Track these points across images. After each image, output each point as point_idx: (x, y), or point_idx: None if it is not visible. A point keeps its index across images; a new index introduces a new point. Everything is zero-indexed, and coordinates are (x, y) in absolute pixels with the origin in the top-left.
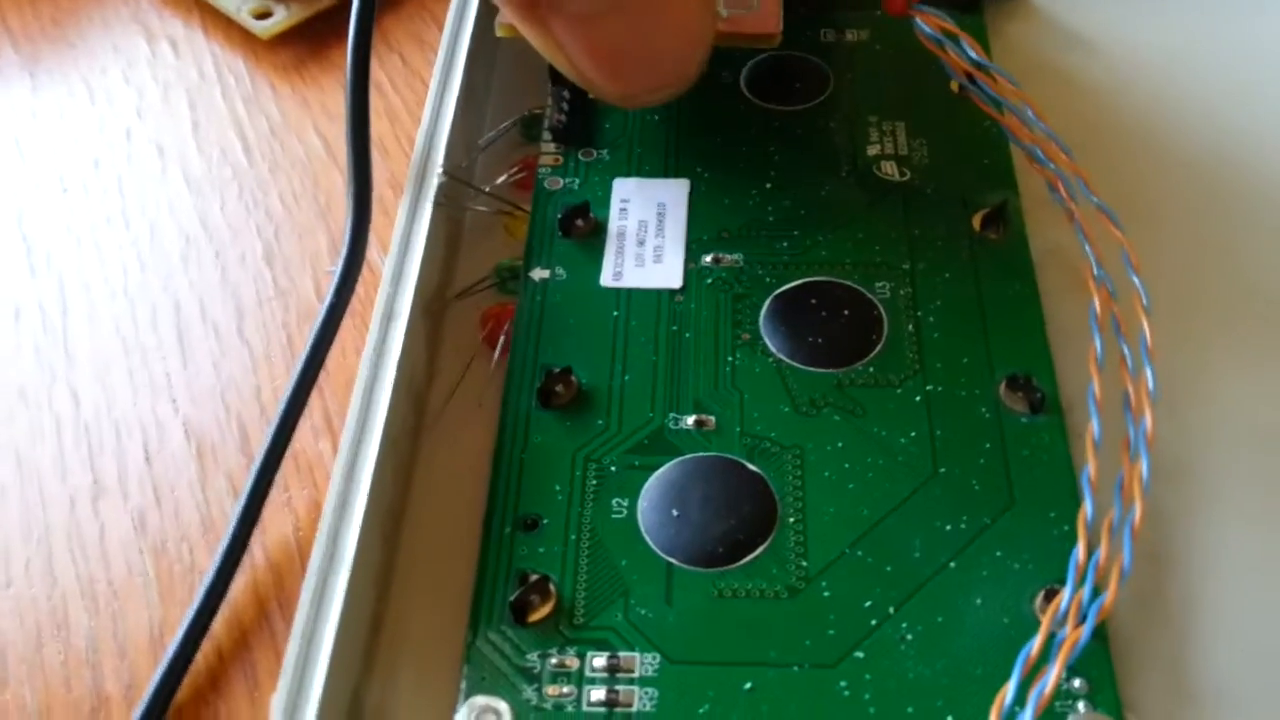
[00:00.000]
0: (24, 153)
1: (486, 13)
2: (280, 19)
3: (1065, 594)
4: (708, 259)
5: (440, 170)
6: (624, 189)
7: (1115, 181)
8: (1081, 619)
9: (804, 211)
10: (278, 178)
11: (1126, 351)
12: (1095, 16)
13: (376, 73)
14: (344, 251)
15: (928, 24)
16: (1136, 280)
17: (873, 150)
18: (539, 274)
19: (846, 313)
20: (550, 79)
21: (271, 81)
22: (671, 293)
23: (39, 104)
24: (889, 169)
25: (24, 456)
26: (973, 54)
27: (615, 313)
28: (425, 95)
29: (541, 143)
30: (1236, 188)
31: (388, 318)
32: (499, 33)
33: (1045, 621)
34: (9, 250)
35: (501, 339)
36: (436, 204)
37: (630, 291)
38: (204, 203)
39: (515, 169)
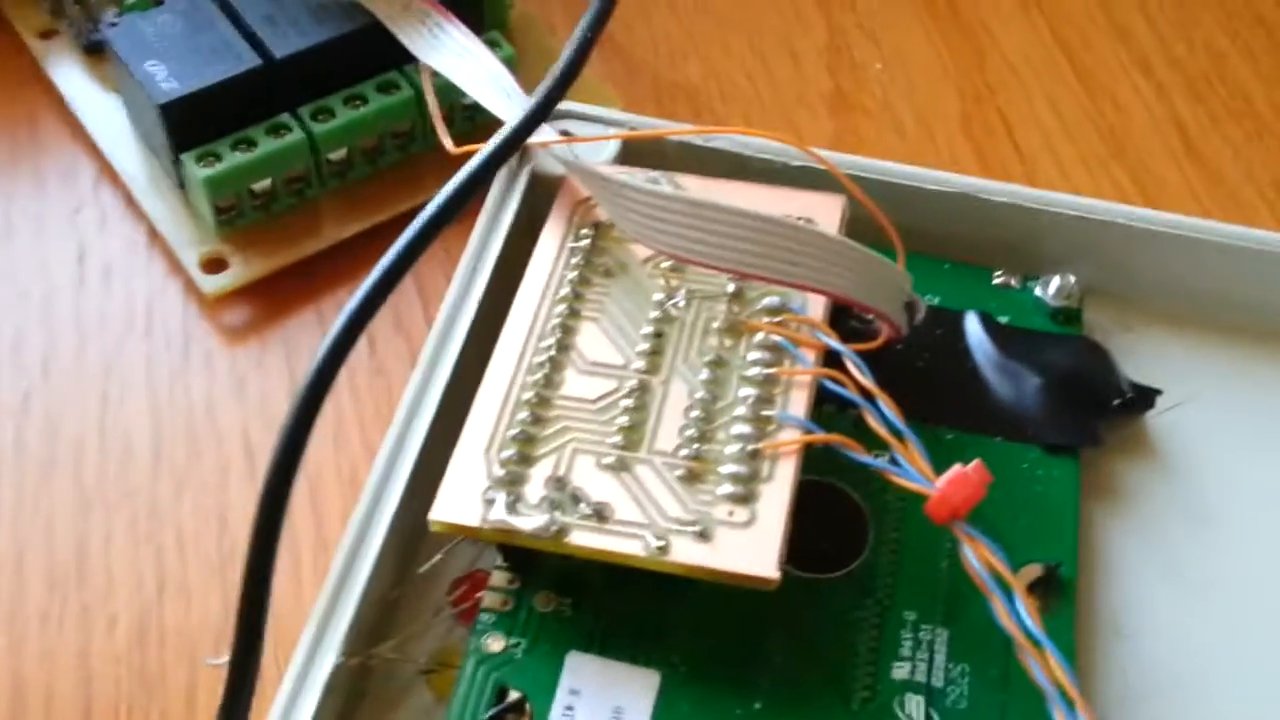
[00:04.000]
0: None
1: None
2: (232, 277)
3: None
4: None
5: (337, 655)
6: (578, 669)
7: None
8: None
9: None
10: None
11: None
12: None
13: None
14: None
15: (976, 554)
16: None
17: (899, 672)
18: None
19: None
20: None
21: (208, 348)
22: None
23: None
24: (913, 710)
25: None
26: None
27: None
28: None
29: (494, 567)
30: None
31: None
32: (433, 529)
33: None
34: None
35: None
36: (327, 690)
37: None
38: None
39: (462, 586)
